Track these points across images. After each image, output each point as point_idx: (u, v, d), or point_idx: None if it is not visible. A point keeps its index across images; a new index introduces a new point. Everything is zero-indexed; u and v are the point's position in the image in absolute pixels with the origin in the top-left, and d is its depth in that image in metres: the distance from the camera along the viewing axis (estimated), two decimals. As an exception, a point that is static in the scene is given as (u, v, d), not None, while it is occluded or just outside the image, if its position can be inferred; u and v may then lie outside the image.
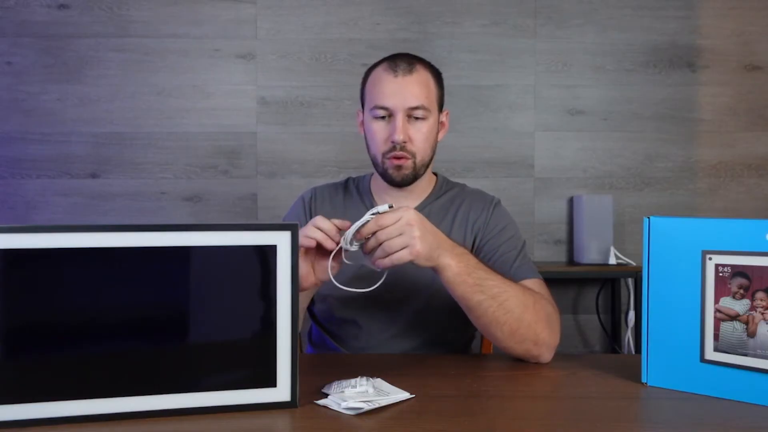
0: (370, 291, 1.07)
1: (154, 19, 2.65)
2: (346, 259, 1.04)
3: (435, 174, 1.43)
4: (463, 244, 1.30)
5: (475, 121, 2.69)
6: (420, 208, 1.35)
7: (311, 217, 1.38)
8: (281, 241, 0.89)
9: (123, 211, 2.64)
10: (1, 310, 0.80)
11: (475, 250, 1.31)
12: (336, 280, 1.14)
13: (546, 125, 2.70)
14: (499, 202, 1.38)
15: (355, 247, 1.02)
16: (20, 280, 0.81)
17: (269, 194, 2.68)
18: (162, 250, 0.85)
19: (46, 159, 2.65)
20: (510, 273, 1.23)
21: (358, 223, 1.01)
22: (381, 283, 1.07)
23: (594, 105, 2.71)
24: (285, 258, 0.89)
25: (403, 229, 1.00)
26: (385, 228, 1.00)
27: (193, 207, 2.67)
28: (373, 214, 1.01)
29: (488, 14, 2.69)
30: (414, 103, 1.25)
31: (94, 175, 2.64)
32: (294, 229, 0.89)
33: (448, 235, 1.30)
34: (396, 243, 1.00)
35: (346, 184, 1.44)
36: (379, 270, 1.03)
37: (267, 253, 0.88)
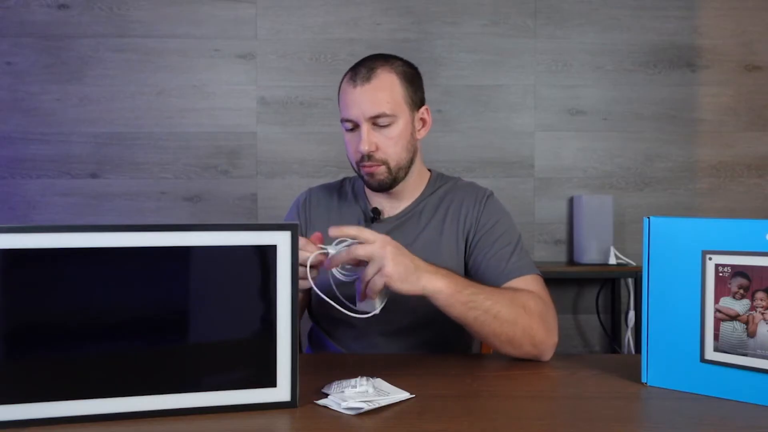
0: (365, 317, 1.06)
1: (154, 19, 2.65)
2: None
3: (430, 170, 1.42)
4: (456, 242, 1.31)
5: (475, 121, 2.69)
6: (412, 207, 1.35)
7: (306, 220, 1.38)
8: (281, 241, 0.89)
9: (123, 211, 2.64)
10: (1, 310, 0.80)
11: (469, 247, 1.30)
12: (328, 291, 1.14)
13: (546, 125, 2.70)
14: (491, 194, 1.36)
15: (346, 277, 1.05)
16: (20, 280, 0.81)
17: (269, 194, 2.68)
18: (162, 250, 0.85)
19: (46, 159, 2.65)
20: (506, 270, 1.23)
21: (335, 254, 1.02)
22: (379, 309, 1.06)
23: (594, 105, 2.71)
24: (285, 258, 0.89)
25: (373, 254, 0.99)
26: (360, 252, 1.00)
27: (193, 207, 2.67)
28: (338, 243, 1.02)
29: (488, 14, 2.69)
30: (374, 112, 1.24)
31: (94, 175, 2.64)
32: (294, 229, 0.89)
33: (441, 232, 1.31)
34: (369, 271, 1.00)
35: (341, 185, 1.44)
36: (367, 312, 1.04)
37: (267, 253, 0.88)
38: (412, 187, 1.36)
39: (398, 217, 1.34)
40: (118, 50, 2.65)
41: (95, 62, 2.65)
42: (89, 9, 2.64)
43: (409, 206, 1.35)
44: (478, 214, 1.32)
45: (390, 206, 1.35)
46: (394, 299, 1.28)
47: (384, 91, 1.25)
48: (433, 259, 1.24)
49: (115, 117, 2.65)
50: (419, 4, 2.67)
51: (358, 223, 1.35)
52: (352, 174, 1.47)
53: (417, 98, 1.32)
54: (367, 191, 1.38)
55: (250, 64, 2.68)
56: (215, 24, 2.66)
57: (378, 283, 1.00)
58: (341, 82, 1.31)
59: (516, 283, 1.21)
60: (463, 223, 1.32)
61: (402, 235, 1.31)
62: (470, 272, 1.30)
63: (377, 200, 1.36)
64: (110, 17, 2.64)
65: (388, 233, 1.31)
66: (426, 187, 1.38)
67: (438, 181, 1.40)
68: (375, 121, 1.25)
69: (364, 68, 1.26)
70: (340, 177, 1.50)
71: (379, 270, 0.99)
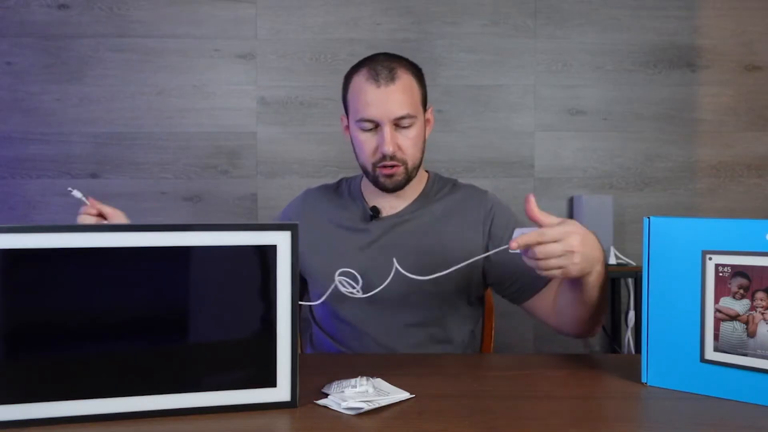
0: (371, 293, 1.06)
1: (154, 19, 2.65)
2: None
3: (427, 171, 1.42)
4: (464, 246, 1.30)
5: (475, 121, 2.69)
6: (412, 208, 1.35)
7: (302, 222, 1.38)
8: (281, 241, 0.89)
9: (123, 211, 2.63)
10: (1, 310, 0.80)
11: (491, 258, 1.30)
12: (340, 296, 1.14)
13: (546, 125, 2.70)
14: (496, 201, 1.37)
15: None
16: (20, 280, 0.81)
17: (269, 194, 2.68)
18: (162, 250, 0.85)
19: (46, 159, 2.65)
20: (541, 280, 1.25)
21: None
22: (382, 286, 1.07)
23: (594, 105, 2.71)
24: (285, 258, 0.89)
25: (564, 251, 0.98)
26: (547, 243, 0.98)
27: (193, 207, 2.67)
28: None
29: (488, 14, 2.69)
30: (400, 113, 1.24)
31: (94, 175, 2.64)
32: (294, 229, 0.89)
33: (445, 234, 1.31)
34: (552, 263, 0.98)
35: (338, 185, 1.44)
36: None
37: (267, 253, 0.88)
38: (413, 188, 1.36)
39: (398, 215, 1.34)
40: (118, 50, 2.65)
41: (95, 62, 2.64)
42: (89, 9, 2.64)
43: (409, 206, 1.35)
44: (488, 222, 1.33)
45: (389, 205, 1.35)
46: (395, 299, 1.28)
47: (407, 93, 1.26)
48: (438, 259, 1.25)
49: (115, 117, 2.65)
50: (419, 4, 2.67)
51: (358, 222, 1.35)
52: (351, 174, 1.47)
53: (426, 98, 1.33)
54: (365, 191, 1.38)
55: (250, 64, 2.68)
56: (215, 24, 2.66)
57: (555, 275, 1.01)
58: (351, 81, 1.29)
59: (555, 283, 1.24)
60: (473, 233, 1.32)
61: (403, 233, 1.32)
62: (505, 281, 1.31)
63: (375, 200, 1.36)
64: (110, 17, 2.64)
65: (389, 230, 1.32)
66: (425, 187, 1.38)
67: (437, 182, 1.40)
68: (398, 122, 1.25)
69: (383, 68, 1.25)
70: (339, 177, 1.50)
71: (562, 268, 0.99)
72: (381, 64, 1.26)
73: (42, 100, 2.64)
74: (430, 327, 1.30)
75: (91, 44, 2.64)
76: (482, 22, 2.68)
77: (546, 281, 1.25)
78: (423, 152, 1.33)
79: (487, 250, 1.30)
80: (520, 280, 1.28)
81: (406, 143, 1.27)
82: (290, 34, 2.67)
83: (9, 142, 2.63)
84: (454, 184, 1.40)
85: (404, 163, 1.27)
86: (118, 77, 2.65)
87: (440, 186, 1.39)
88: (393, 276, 1.09)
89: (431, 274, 1.12)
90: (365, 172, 1.32)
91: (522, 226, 1.32)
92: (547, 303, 1.25)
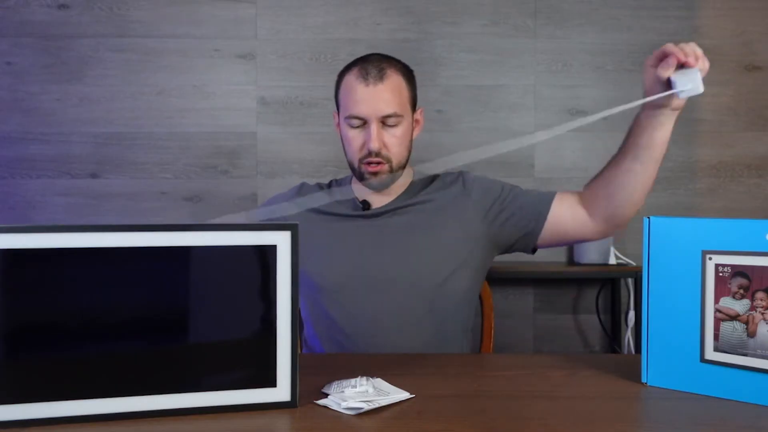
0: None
1: (154, 19, 2.65)
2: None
3: (411, 168, 1.45)
4: (461, 231, 1.35)
5: (475, 121, 2.69)
6: (401, 201, 1.38)
7: (298, 207, 1.41)
8: (281, 241, 0.89)
9: (123, 211, 2.64)
10: (1, 310, 0.80)
11: (499, 225, 1.35)
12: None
13: (546, 125, 2.70)
14: (470, 177, 1.41)
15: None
16: (20, 280, 0.81)
17: (269, 194, 2.66)
18: (162, 250, 0.85)
19: (46, 159, 2.64)
20: (544, 199, 1.33)
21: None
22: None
23: (594, 105, 2.70)
24: (285, 258, 0.89)
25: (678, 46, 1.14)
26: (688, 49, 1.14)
27: (193, 207, 2.67)
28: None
29: (488, 14, 2.68)
30: (386, 111, 1.28)
31: (94, 175, 2.64)
32: (294, 229, 0.89)
33: (438, 225, 1.34)
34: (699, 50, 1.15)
35: (330, 184, 1.49)
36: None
37: (267, 253, 0.88)
38: (399, 185, 1.40)
39: (387, 206, 1.38)
40: (118, 50, 2.65)
41: (95, 62, 2.64)
42: (89, 9, 2.64)
43: (396, 199, 1.39)
44: (471, 196, 1.37)
45: (377, 200, 1.40)
46: (388, 283, 1.29)
47: (395, 93, 1.30)
48: (433, 244, 1.29)
49: (115, 117, 2.65)
50: (419, 4, 2.67)
51: (350, 212, 1.38)
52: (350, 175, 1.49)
53: (415, 99, 1.38)
54: (354, 187, 1.42)
55: (250, 64, 2.67)
56: (215, 24, 2.66)
57: (698, 49, 1.15)
58: (343, 79, 1.34)
59: (559, 198, 1.33)
60: (461, 214, 1.35)
61: (394, 220, 1.35)
62: (515, 233, 1.36)
63: (363, 195, 1.40)
64: (110, 17, 2.64)
65: (380, 218, 1.35)
66: (410, 183, 1.42)
67: (421, 178, 1.45)
68: (384, 120, 1.29)
69: (373, 68, 1.29)
70: (338, 177, 1.53)
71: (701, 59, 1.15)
72: (372, 63, 1.31)
73: (42, 100, 2.64)
74: (434, 319, 1.32)
75: (91, 44, 2.64)
76: (482, 22, 2.68)
77: (551, 197, 1.32)
78: (409, 151, 1.37)
79: (481, 219, 1.35)
80: (525, 211, 1.33)
81: (392, 141, 1.31)
82: (290, 34, 2.67)
83: (9, 142, 2.63)
84: (435, 176, 1.45)
85: (389, 161, 1.32)
86: (118, 77, 2.65)
87: (424, 181, 1.44)
88: (386, 262, 1.15)
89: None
90: (352, 168, 1.37)
91: (499, 188, 1.40)
92: (564, 211, 1.33)
